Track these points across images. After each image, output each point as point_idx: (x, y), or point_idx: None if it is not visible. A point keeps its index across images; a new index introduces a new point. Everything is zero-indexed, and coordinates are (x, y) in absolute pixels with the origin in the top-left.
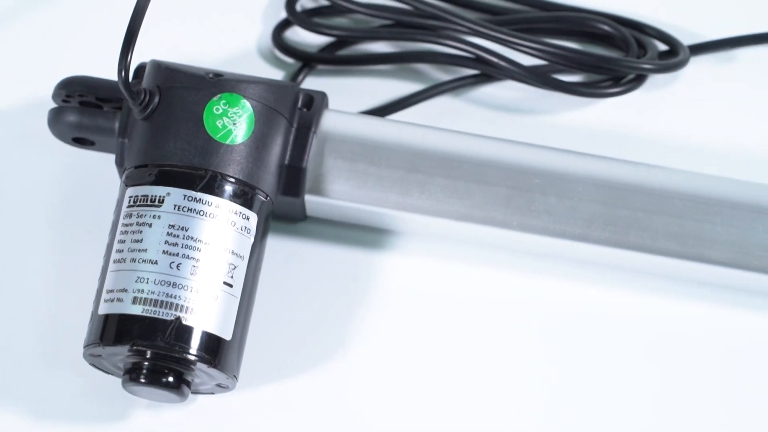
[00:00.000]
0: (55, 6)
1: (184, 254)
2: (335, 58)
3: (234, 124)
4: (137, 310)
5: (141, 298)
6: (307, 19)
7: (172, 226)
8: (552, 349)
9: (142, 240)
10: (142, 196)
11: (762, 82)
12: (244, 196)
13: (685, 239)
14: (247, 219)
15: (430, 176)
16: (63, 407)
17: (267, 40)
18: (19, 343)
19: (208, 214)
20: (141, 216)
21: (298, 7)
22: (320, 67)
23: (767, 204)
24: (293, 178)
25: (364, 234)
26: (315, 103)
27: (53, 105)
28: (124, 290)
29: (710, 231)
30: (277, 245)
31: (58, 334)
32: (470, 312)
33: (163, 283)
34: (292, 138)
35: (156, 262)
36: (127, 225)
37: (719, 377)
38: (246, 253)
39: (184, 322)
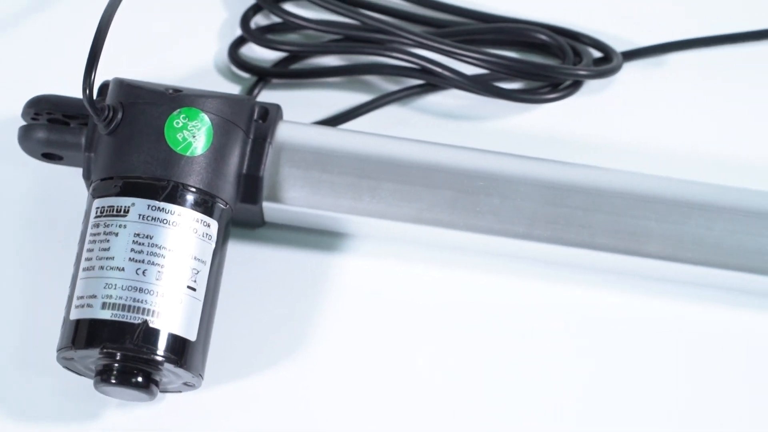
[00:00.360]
0: (22, 30)
1: (149, 261)
2: (288, 71)
3: (193, 136)
4: (106, 314)
5: (109, 304)
6: (261, 35)
7: (138, 235)
8: (507, 347)
9: (109, 248)
10: (108, 206)
11: (690, 85)
12: (205, 205)
13: (622, 235)
14: (208, 226)
15: (379, 181)
16: (39, 408)
17: (223, 56)
18: (6, 349)
19: (171, 223)
20: (108, 226)
21: (253, 25)
22: (274, 80)
23: (698, 199)
24: (251, 187)
25: (320, 237)
26: (270, 115)
27: (23, 123)
28: (94, 296)
29: (645, 226)
30: (237, 250)
31: (33, 339)
32: (423, 309)
33: (130, 288)
34: (249, 148)
35: (123, 269)
36: (94, 234)
37: (673, 371)
38: (208, 258)
39: (151, 325)
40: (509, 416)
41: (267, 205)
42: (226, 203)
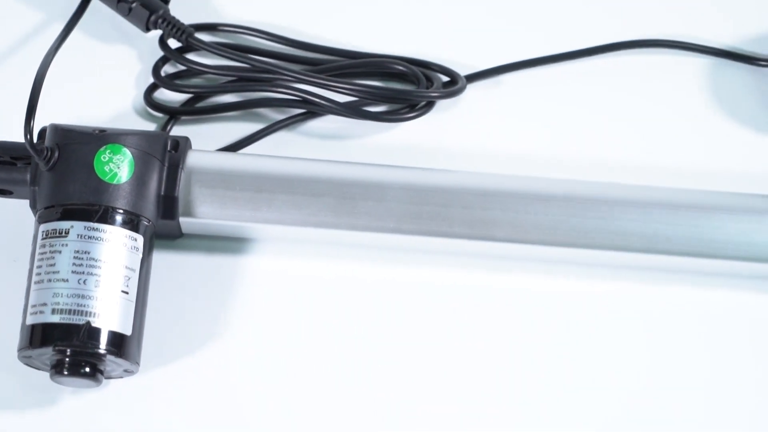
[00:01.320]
0: None
1: (88, 272)
2: (194, 109)
3: (118, 168)
4: (56, 318)
5: (58, 309)
6: (170, 81)
7: (77, 251)
8: (397, 328)
9: (54, 264)
10: (52, 230)
11: (523, 99)
12: (132, 223)
13: (474, 224)
14: (136, 240)
15: (273, 194)
16: (5, 398)
17: (140, 100)
18: None
19: (104, 239)
20: (52, 246)
21: (162, 73)
22: (183, 117)
23: (534, 191)
24: (168, 205)
25: (228, 243)
26: (180, 146)
27: None
28: (45, 304)
29: (493, 216)
30: (161, 258)
31: (3, 341)
32: (317, 297)
33: (74, 296)
34: (165, 174)
35: (67, 280)
36: (42, 254)
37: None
38: (137, 266)
39: (93, 325)
40: (404, 396)
41: (183, 220)
42: (149, 220)
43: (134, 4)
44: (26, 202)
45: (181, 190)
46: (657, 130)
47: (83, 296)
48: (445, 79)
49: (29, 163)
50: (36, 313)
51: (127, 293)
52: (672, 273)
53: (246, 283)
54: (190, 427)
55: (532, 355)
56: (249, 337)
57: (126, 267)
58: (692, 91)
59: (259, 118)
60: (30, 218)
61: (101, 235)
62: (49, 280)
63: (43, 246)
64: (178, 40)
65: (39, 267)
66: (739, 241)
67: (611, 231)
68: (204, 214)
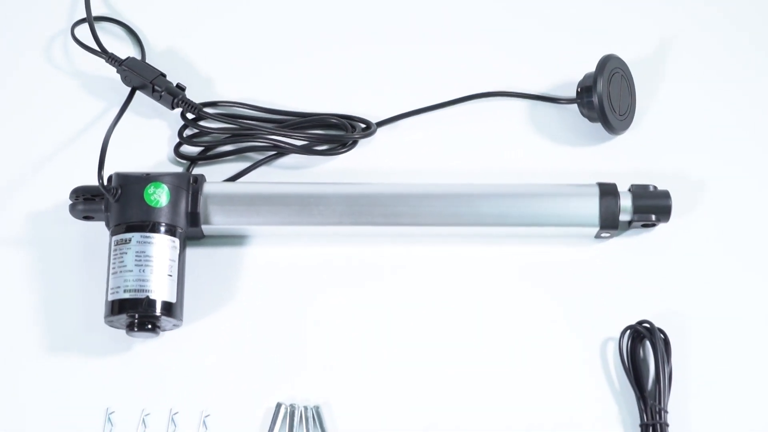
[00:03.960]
0: (65, 156)
1: (145, 264)
2: (206, 157)
3: (160, 197)
4: (127, 295)
5: (128, 289)
6: (190, 140)
7: (137, 252)
8: (360, 296)
9: (123, 261)
10: (120, 239)
11: (414, 135)
12: (171, 231)
13: (389, 216)
14: (174, 242)
15: (260, 206)
16: (100, 347)
17: (171, 153)
18: (77, 318)
19: (154, 243)
20: (121, 249)
21: (184, 135)
22: (200, 162)
23: (425, 193)
24: (194, 218)
25: (234, 239)
26: (199, 180)
27: (70, 202)
28: (119, 287)
29: (399, 210)
30: (191, 251)
31: (92, 313)
32: (295, 269)
33: (137, 280)
34: (190, 199)
35: (132, 271)
36: (115, 255)
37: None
38: (176, 258)
39: (150, 298)
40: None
41: (204, 227)
42: (182, 228)
43: (163, 93)
44: (102, 224)
45: (201, 208)
46: (497, 148)
47: (143, 280)
48: (363, 125)
49: (103, 198)
50: (114, 292)
51: (171, 276)
52: (512, 237)
53: (247, 265)
54: (217, 358)
55: (420, 298)
56: (251, 300)
57: (170, 259)
58: (519, 123)
59: (247, 159)
60: (105, 233)
61: (152, 240)
62: (121, 271)
63: (115, 250)
64: (193, 113)
65: (114, 263)
66: (555, 214)
67: (474, 213)
68: (217, 222)
